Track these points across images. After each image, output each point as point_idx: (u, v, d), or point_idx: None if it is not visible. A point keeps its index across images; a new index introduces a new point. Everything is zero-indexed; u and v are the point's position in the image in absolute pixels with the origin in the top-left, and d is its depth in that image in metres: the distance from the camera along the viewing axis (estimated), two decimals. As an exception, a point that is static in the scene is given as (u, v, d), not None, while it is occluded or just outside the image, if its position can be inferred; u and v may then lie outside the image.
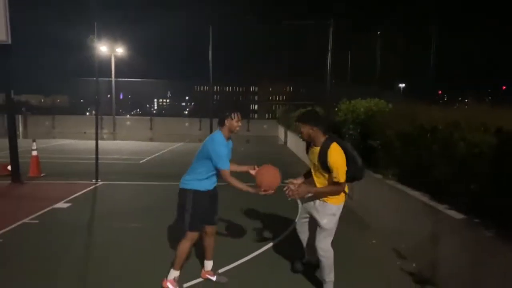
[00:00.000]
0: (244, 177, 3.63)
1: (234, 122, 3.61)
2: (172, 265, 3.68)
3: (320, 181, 3.61)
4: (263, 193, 3.45)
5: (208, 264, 4.02)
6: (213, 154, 3.47)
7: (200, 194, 3.61)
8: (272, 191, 3.46)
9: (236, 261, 4.47)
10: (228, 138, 3.67)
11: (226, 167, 3.48)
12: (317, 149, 3.50)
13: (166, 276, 3.69)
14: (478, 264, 3.25)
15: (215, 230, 3.98)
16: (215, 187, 3.77)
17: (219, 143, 3.51)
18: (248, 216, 6.34)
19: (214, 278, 3.97)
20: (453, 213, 3.64)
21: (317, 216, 3.60)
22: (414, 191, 4.57)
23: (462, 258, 3.46)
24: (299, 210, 4.18)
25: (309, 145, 3.70)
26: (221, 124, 3.63)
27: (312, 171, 3.69)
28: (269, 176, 3.52)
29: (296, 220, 4.19)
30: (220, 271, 4.08)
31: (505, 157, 3.02)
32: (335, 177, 3.37)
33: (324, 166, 3.43)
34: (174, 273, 3.66)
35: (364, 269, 4.37)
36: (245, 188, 3.48)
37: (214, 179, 3.71)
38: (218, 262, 4.16)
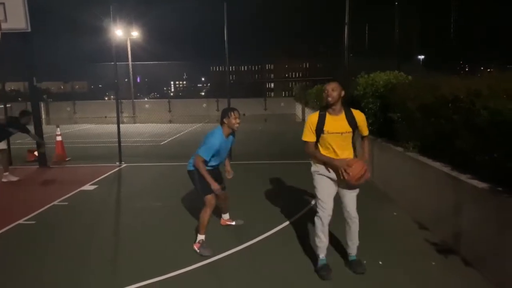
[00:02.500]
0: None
1: (232, 119, 4.07)
2: (198, 231, 4.23)
3: (349, 148, 3.58)
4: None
5: (225, 216, 4.96)
6: (204, 143, 4.06)
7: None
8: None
9: (249, 241, 4.58)
10: (228, 135, 4.18)
11: (204, 155, 4.02)
12: (341, 116, 3.51)
13: (195, 240, 4.21)
14: (501, 232, 3.25)
15: (226, 195, 4.72)
16: (215, 167, 4.38)
17: (213, 140, 4.03)
18: (259, 197, 6.43)
19: (233, 223, 4.94)
20: (475, 182, 3.63)
21: (347, 188, 3.58)
22: (436, 162, 4.55)
23: (485, 227, 3.47)
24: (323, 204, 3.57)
25: (322, 121, 3.51)
26: (221, 122, 4.12)
27: (335, 145, 3.51)
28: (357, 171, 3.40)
29: (323, 219, 3.57)
30: (233, 250, 4.21)
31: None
32: (366, 132, 3.70)
33: (355, 127, 3.55)
34: (200, 237, 4.19)
35: (387, 241, 4.42)
36: (208, 179, 4.01)
37: (213, 163, 4.28)
38: (230, 242, 4.43)
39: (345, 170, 3.36)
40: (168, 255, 4.14)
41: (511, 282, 3.14)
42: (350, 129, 3.51)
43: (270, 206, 5.76)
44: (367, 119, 3.67)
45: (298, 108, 23.74)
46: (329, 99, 3.44)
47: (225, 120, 4.09)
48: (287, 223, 5.01)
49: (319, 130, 3.50)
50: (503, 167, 3.35)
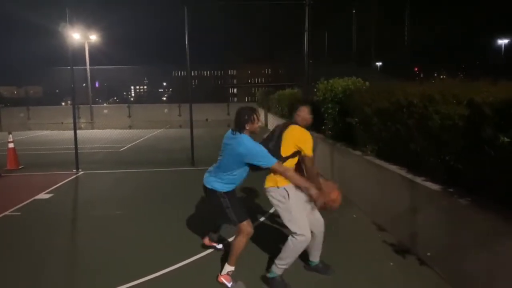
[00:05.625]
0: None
1: (255, 124, 3.46)
2: (227, 261, 3.56)
3: None
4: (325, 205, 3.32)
5: (215, 236, 4.21)
6: (255, 157, 3.31)
7: (229, 192, 3.56)
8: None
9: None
10: None
11: (272, 160, 3.29)
12: None
13: (220, 272, 3.58)
14: (454, 231, 3.40)
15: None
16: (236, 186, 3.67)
17: (254, 144, 3.35)
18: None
19: (219, 246, 4.25)
20: (429, 184, 3.78)
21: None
22: (392, 165, 4.70)
23: (439, 227, 3.61)
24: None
25: None
26: (242, 129, 3.43)
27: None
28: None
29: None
30: (189, 260, 4.10)
31: (476, 127, 3.14)
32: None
33: None
34: (228, 268, 3.54)
35: (346, 242, 4.51)
36: (304, 183, 3.29)
37: (241, 175, 3.57)
38: (186, 250, 4.29)
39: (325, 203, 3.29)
40: (128, 264, 4.02)
41: (464, 279, 3.28)
42: None
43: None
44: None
45: (261, 113, 23.89)
46: (306, 122, 3.61)
47: (247, 126, 3.42)
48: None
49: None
50: (454, 169, 3.51)
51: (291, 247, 3.33)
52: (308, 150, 3.41)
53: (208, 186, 3.57)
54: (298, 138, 3.44)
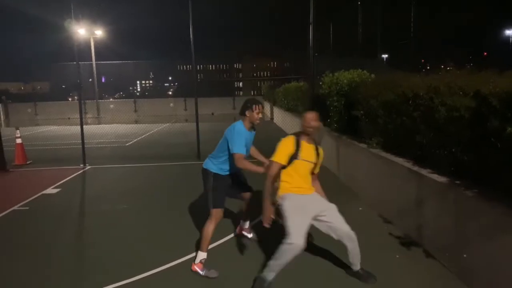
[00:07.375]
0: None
1: (255, 114, 3.66)
2: (199, 248, 3.69)
3: (309, 179, 3.55)
4: None
5: (245, 224, 4.35)
6: (230, 140, 3.57)
7: (220, 176, 3.76)
8: None
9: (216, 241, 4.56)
10: (250, 129, 3.75)
11: (240, 150, 3.51)
12: (312, 146, 3.46)
13: (194, 260, 3.70)
14: (460, 223, 3.39)
15: (250, 195, 4.08)
16: (237, 169, 3.79)
17: (238, 132, 3.58)
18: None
19: (250, 236, 4.32)
20: (435, 177, 3.76)
21: (327, 204, 3.53)
22: (398, 158, 4.68)
23: (445, 219, 3.60)
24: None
25: (298, 146, 3.39)
26: (242, 114, 3.71)
27: (302, 173, 3.46)
28: None
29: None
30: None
31: (482, 119, 3.11)
32: (318, 169, 3.61)
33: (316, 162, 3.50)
34: (201, 255, 3.66)
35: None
36: (257, 169, 3.49)
37: (226, 170, 3.81)
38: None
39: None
40: (135, 258, 4.06)
41: (470, 270, 3.27)
42: (316, 161, 3.47)
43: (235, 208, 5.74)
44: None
45: (267, 107, 23.85)
46: (310, 130, 3.39)
47: (247, 113, 3.67)
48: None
49: (294, 156, 3.36)
50: (461, 161, 3.48)
51: (280, 251, 3.23)
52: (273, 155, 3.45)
53: (204, 166, 3.84)
54: None
